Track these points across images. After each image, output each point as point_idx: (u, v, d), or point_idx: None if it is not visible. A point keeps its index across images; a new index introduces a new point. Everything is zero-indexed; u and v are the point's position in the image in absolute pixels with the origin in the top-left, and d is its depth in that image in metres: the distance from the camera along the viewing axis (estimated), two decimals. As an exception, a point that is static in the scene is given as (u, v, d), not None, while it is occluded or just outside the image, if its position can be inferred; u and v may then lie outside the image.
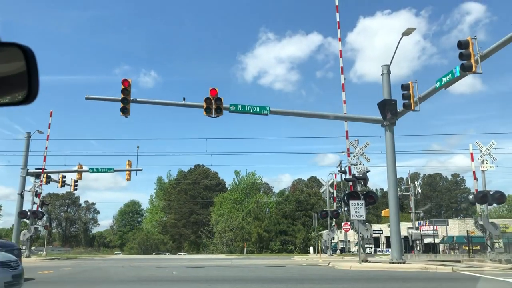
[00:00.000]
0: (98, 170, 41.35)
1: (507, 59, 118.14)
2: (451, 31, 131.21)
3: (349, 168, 27.28)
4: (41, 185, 39.07)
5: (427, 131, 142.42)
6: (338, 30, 28.01)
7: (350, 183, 27.17)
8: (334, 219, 44.57)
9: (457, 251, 45.98)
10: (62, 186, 43.01)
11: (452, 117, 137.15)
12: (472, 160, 29.55)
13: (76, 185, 43.65)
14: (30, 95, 1.75)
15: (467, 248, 37.44)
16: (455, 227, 55.63)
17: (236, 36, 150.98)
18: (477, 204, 29.35)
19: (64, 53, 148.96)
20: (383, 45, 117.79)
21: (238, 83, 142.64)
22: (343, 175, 41.05)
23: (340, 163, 44.58)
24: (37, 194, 38.52)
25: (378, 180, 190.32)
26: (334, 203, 46.09)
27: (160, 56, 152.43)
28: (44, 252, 50.27)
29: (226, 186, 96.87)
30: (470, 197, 30.49)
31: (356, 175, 26.60)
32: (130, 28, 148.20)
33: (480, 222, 28.89)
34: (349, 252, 54.86)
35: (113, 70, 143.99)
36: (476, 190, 28.93)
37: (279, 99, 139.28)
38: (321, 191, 58.06)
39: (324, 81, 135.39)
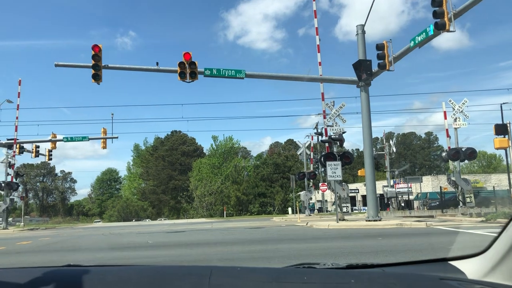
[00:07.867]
0: (72, 139, 40.71)
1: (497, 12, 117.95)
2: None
3: (325, 129, 27.46)
4: (14, 155, 38.27)
5: (407, 90, 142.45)
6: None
7: (327, 144, 27.43)
8: (312, 180, 45.23)
9: (431, 206, 47.36)
10: (36, 156, 42.21)
11: (432, 75, 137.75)
12: (445, 118, 30.14)
13: (51, 155, 42.88)
14: None
15: (440, 203, 38.60)
16: (429, 184, 57.21)
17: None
18: (449, 161, 30.14)
19: (29, 15, 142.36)
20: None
21: (220, 42, 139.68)
22: (320, 136, 41.42)
23: (317, 124, 44.89)
24: (10, 165, 37.79)
25: (355, 140, 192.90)
26: (311, 165, 46.65)
27: (140, 17, 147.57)
28: (22, 223, 49.80)
29: (204, 151, 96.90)
30: (443, 154, 31.30)
31: (332, 137, 26.85)
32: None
33: (453, 178, 29.75)
34: (327, 211, 56.07)
35: (88, 32, 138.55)
36: (449, 147, 29.66)
37: (261, 59, 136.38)
38: (298, 153, 58.70)
39: (310, 39, 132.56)
